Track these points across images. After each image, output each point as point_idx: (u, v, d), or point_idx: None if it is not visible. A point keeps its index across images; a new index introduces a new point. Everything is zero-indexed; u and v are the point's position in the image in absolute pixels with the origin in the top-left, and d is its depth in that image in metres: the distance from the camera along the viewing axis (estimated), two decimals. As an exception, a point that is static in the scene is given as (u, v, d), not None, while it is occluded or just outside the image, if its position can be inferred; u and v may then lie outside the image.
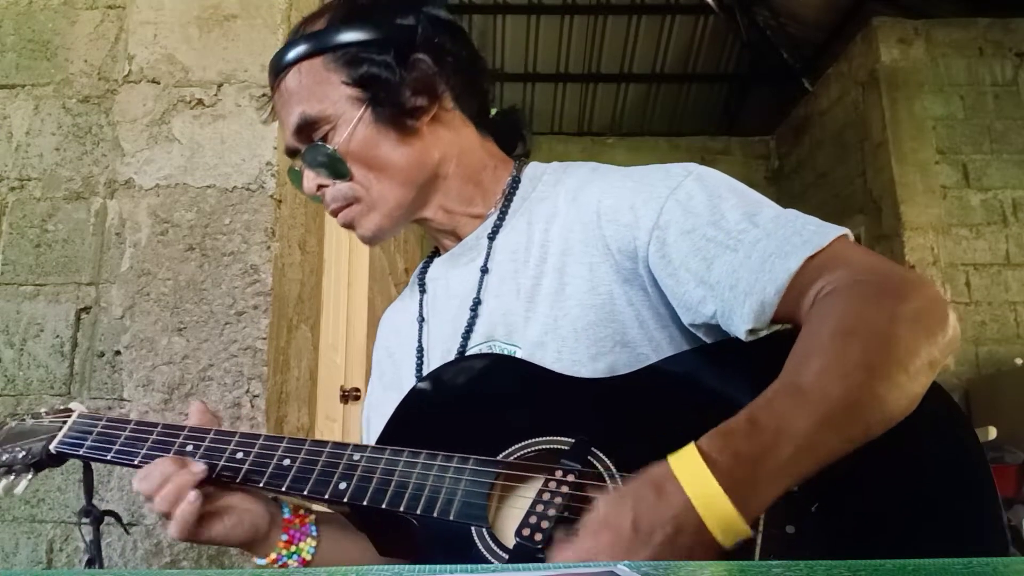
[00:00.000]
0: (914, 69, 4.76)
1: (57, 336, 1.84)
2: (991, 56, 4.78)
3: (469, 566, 0.50)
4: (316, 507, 0.96)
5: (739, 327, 0.76)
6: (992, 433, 3.28)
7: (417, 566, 0.49)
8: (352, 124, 0.90)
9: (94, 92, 1.98)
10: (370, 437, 1.05)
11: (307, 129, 0.92)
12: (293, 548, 0.91)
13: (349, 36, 0.91)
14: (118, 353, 1.79)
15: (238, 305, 1.79)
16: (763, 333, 0.76)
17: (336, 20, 0.92)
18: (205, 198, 1.84)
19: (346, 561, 0.94)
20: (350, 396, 2.89)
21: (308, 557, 0.92)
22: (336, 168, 0.92)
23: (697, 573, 0.46)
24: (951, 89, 4.74)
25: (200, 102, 1.89)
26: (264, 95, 1.90)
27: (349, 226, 0.96)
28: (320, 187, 0.95)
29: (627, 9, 5.70)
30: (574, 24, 5.83)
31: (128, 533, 1.67)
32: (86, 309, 1.86)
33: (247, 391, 1.75)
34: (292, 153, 0.97)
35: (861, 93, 5.04)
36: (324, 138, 0.91)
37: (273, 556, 0.91)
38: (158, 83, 1.91)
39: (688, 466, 0.61)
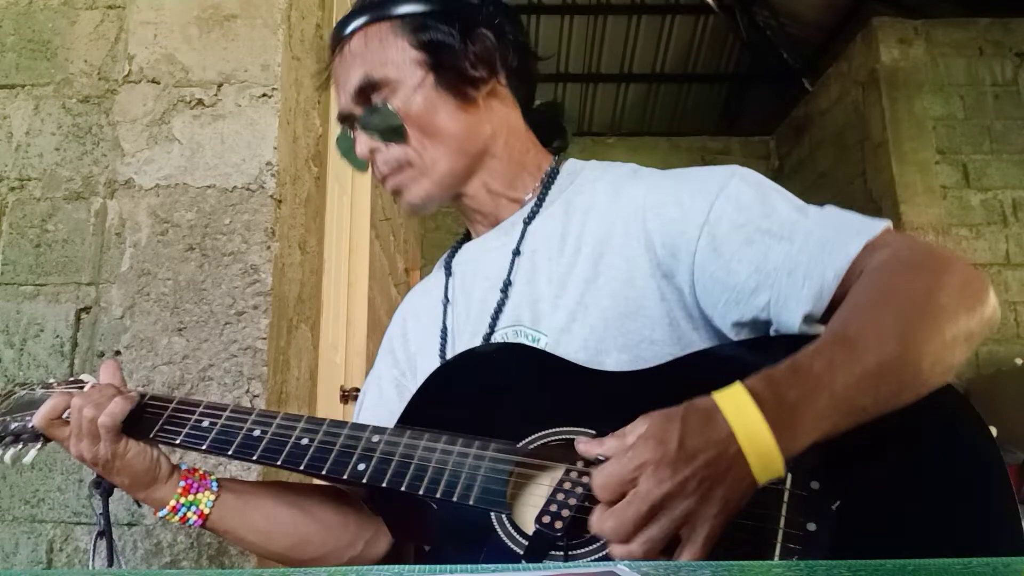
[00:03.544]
0: (914, 69, 4.76)
1: (57, 336, 1.85)
2: (991, 56, 4.78)
3: (469, 566, 0.50)
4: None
5: (795, 312, 0.77)
6: (992, 433, 3.28)
7: (417, 566, 0.49)
8: (414, 87, 0.92)
9: (94, 92, 1.98)
10: (360, 413, 1.06)
11: (368, 91, 0.94)
12: (191, 498, 0.93)
13: (416, 6, 0.94)
14: (118, 353, 1.78)
15: (238, 305, 1.79)
16: (817, 328, 0.76)
17: None
18: (205, 198, 1.84)
19: (246, 525, 0.95)
20: (350, 396, 2.88)
21: (206, 510, 0.93)
22: (394, 130, 0.93)
23: (697, 573, 0.46)
24: (951, 89, 4.74)
25: (200, 102, 1.89)
26: (264, 95, 1.92)
27: (397, 192, 0.97)
28: (372, 151, 0.96)
29: (627, 9, 5.69)
30: (574, 24, 5.82)
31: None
32: (86, 309, 1.86)
33: (247, 391, 1.75)
34: (345, 118, 0.98)
35: (861, 93, 5.04)
36: (383, 101, 0.93)
37: (172, 504, 0.92)
38: (158, 83, 1.91)
39: (735, 400, 0.62)
